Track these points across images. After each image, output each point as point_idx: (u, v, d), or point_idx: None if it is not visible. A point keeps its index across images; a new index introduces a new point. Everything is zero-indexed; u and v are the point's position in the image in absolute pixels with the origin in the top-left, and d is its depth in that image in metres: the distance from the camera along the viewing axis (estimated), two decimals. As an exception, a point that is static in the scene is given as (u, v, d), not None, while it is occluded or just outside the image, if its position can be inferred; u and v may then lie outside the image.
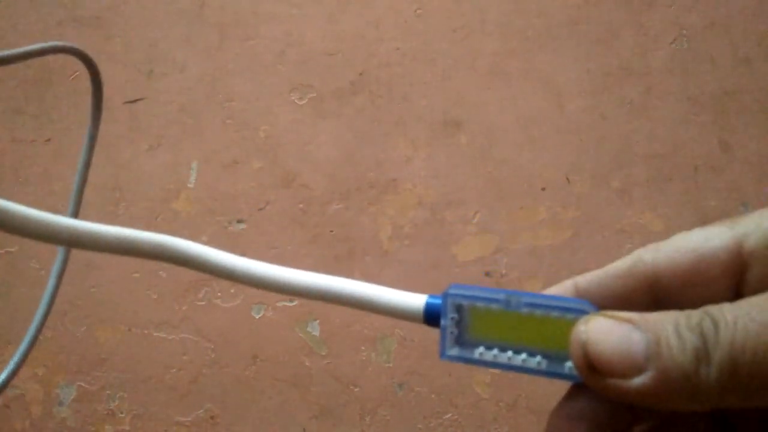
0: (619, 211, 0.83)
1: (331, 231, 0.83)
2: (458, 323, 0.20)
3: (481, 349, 0.20)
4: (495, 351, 0.19)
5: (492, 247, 0.83)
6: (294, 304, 0.82)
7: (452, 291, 0.20)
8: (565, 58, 0.86)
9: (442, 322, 0.20)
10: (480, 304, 0.20)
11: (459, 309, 0.20)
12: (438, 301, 0.20)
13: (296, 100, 0.85)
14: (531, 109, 0.85)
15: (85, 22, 0.86)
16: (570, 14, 0.86)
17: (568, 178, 0.84)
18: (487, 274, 0.83)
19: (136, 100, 0.85)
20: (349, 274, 0.83)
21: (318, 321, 0.81)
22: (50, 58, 0.86)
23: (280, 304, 0.82)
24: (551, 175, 0.84)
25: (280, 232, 0.83)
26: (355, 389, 0.82)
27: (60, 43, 0.26)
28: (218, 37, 0.86)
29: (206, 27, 0.86)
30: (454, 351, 0.20)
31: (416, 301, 0.21)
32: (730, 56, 0.86)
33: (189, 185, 0.84)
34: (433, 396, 0.82)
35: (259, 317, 0.82)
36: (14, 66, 0.86)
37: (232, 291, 0.82)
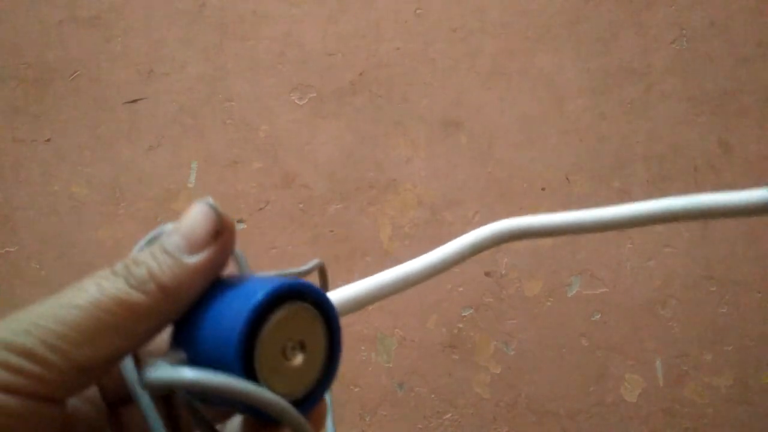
0: (619, 211, 0.83)
1: (331, 231, 0.83)
2: None
3: None
4: None
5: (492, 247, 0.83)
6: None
7: None
8: (565, 58, 0.86)
9: None
10: None
11: None
12: None
13: (296, 100, 0.85)
14: (531, 109, 0.85)
15: (85, 22, 0.86)
16: (570, 14, 0.86)
17: (568, 178, 0.84)
18: (487, 274, 0.83)
19: (136, 100, 0.85)
20: (349, 275, 0.83)
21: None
22: (50, 57, 0.86)
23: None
24: (551, 175, 0.84)
25: (280, 232, 0.83)
26: (355, 389, 0.82)
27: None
28: (218, 37, 0.86)
29: (206, 27, 0.86)
30: None
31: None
32: (730, 56, 0.86)
33: (189, 185, 0.84)
34: (433, 396, 0.82)
35: (259, 317, 0.82)
36: (14, 66, 0.86)
37: (232, 291, 0.82)
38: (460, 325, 0.82)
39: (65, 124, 0.85)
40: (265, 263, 0.82)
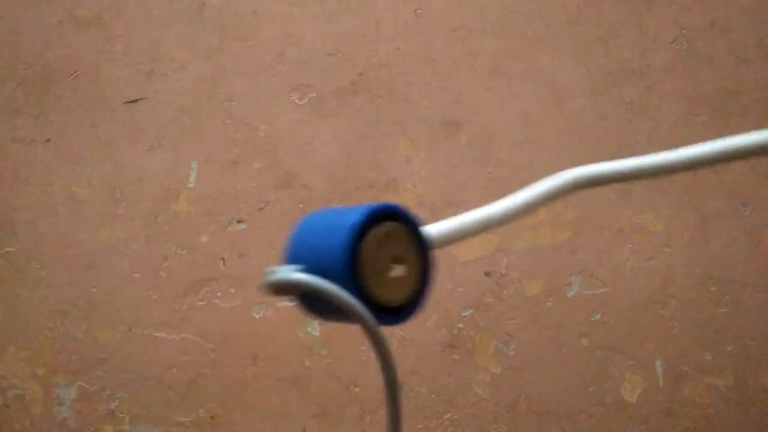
0: (619, 211, 0.83)
1: (331, 231, 0.83)
2: None
3: None
4: None
5: (492, 247, 0.83)
6: (294, 304, 0.82)
7: None
8: (565, 58, 0.86)
9: None
10: None
11: None
12: None
13: (296, 100, 0.85)
14: (531, 109, 0.85)
15: (85, 22, 0.86)
16: (570, 14, 0.86)
17: (568, 178, 0.84)
18: (487, 274, 0.83)
19: (136, 100, 0.85)
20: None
21: (318, 321, 0.81)
22: (50, 57, 0.86)
23: (280, 305, 0.82)
24: (551, 175, 0.84)
25: (280, 232, 0.83)
26: (355, 389, 0.82)
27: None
28: (218, 37, 0.86)
29: (206, 27, 0.86)
30: None
31: None
32: (730, 56, 0.86)
33: (189, 185, 0.84)
34: (433, 396, 0.82)
35: (259, 317, 0.82)
36: (14, 66, 0.86)
37: (232, 291, 0.82)
38: (460, 325, 0.82)
39: (65, 124, 0.85)
40: (265, 263, 0.82)
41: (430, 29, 0.86)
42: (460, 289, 0.82)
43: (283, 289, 0.23)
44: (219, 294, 0.82)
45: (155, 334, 0.82)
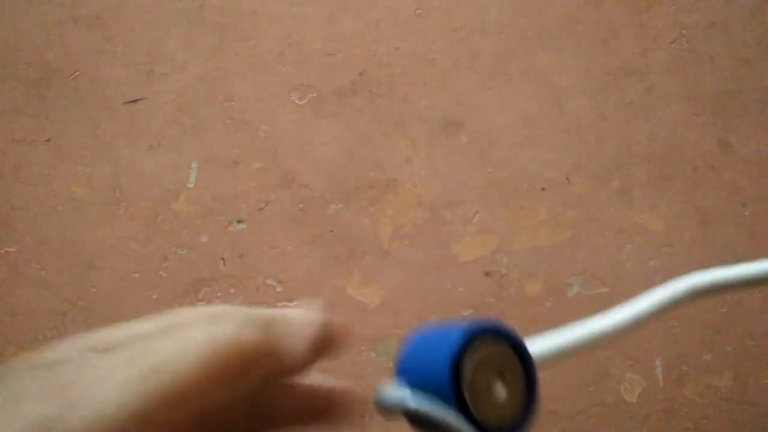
0: (619, 211, 0.83)
1: (331, 231, 0.83)
2: None
3: None
4: None
5: (492, 247, 0.83)
6: (294, 304, 0.82)
7: None
8: (565, 58, 0.86)
9: None
10: None
11: None
12: None
13: (296, 100, 0.85)
14: (531, 109, 0.85)
15: (85, 22, 0.86)
16: (570, 14, 0.86)
17: (568, 178, 0.84)
18: (487, 274, 0.83)
19: (136, 100, 0.85)
20: (349, 274, 0.83)
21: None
22: (50, 57, 0.86)
23: (280, 305, 0.82)
24: (551, 175, 0.84)
25: (280, 232, 0.83)
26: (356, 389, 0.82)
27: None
28: (218, 37, 0.86)
29: (206, 27, 0.86)
30: None
31: None
32: (730, 56, 0.86)
33: (189, 185, 0.84)
34: (433, 396, 0.82)
35: (259, 317, 0.82)
36: (14, 66, 0.86)
37: (231, 291, 0.82)
38: (460, 325, 0.82)
39: (65, 124, 0.85)
40: (265, 263, 0.82)
41: (430, 29, 0.86)
42: (460, 289, 0.82)
43: (389, 409, 0.24)
44: (219, 294, 0.82)
45: (155, 334, 0.82)
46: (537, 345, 0.26)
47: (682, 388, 0.81)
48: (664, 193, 0.84)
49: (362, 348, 0.82)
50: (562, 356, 0.26)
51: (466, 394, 0.23)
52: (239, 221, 0.83)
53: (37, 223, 0.83)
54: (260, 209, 0.84)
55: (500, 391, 0.24)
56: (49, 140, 0.85)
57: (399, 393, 0.24)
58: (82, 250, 0.83)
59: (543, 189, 0.84)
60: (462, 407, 0.23)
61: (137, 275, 0.83)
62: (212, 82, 0.85)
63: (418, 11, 0.86)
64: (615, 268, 0.83)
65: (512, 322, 0.83)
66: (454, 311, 0.82)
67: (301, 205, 0.84)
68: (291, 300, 0.82)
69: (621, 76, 0.85)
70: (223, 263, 0.82)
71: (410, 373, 0.25)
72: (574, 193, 0.84)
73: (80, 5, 0.86)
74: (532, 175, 0.84)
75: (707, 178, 0.84)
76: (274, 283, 0.82)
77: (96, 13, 0.86)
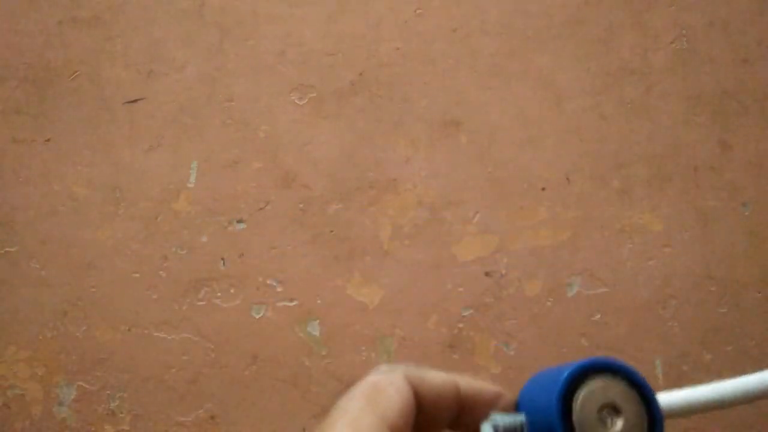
0: (619, 211, 0.83)
1: (331, 231, 0.83)
2: None
3: None
4: None
5: (492, 247, 0.83)
6: (294, 304, 0.82)
7: None
8: (565, 58, 0.86)
9: None
10: None
11: None
12: None
13: (296, 100, 0.85)
14: (531, 109, 0.85)
15: (85, 22, 0.86)
16: (570, 14, 0.86)
17: (568, 178, 0.84)
18: (487, 274, 0.83)
19: (136, 100, 0.85)
20: (349, 274, 0.83)
21: (318, 321, 0.81)
22: (50, 57, 0.86)
23: (280, 304, 0.82)
24: (551, 175, 0.84)
25: (280, 232, 0.83)
26: (355, 389, 0.82)
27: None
28: (218, 37, 0.86)
29: (206, 27, 0.86)
30: None
31: None
32: (730, 56, 0.86)
33: (189, 185, 0.84)
34: (433, 396, 0.82)
35: (259, 317, 0.82)
36: (14, 66, 0.86)
37: (231, 291, 0.82)
38: (460, 325, 0.82)
39: (65, 124, 0.85)
40: (265, 263, 0.82)
41: (430, 29, 0.86)
42: (460, 289, 0.82)
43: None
44: (219, 294, 0.82)
45: (155, 334, 0.82)
46: (666, 397, 0.25)
47: (682, 388, 0.81)
48: (664, 193, 0.84)
49: (362, 348, 0.82)
50: (691, 410, 0.26)
51: (576, 427, 0.23)
52: (239, 221, 0.83)
53: (37, 223, 0.83)
54: (260, 209, 0.84)
55: (617, 424, 0.23)
56: (49, 140, 0.85)
57: (511, 419, 0.25)
58: (82, 250, 0.83)
59: (543, 189, 0.84)
60: None
61: (137, 275, 0.83)
62: (212, 82, 0.85)
63: (418, 11, 0.86)
64: (615, 268, 0.83)
65: (512, 322, 0.83)
66: (454, 311, 0.82)
67: (301, 205, 0.84)
68: (291, 300, 0.82)
69: (621, 76, 0.85)
70: (223, 263, 0.82)
71: (527, 404, 0.25)
72: (574, 193, 0.84)
73: (80, 5, 0.86)
74: (532, 175, 0.84)
75: (707, 178, 0.84)
76: (274, 283, 0.82)
77: (96, 13, 0.86)
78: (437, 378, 0.26)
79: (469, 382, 0.26)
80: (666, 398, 0.25)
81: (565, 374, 0.23)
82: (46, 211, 0.84)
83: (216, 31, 0.86)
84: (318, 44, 0.86)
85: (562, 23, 0.86)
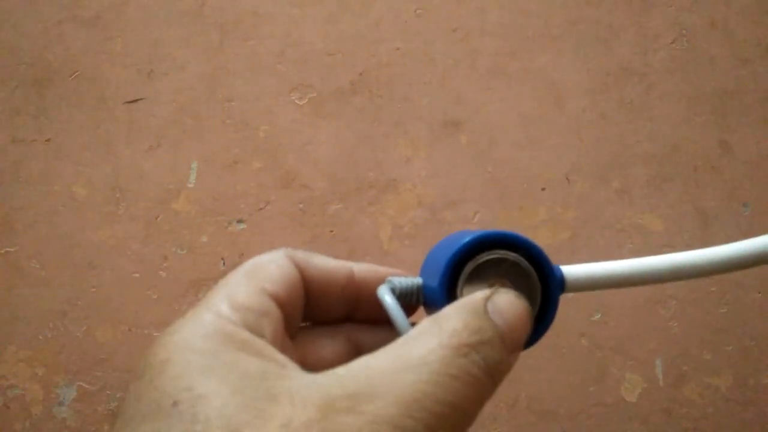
0: (619, 211, 0.84)
1: (331, 231, 0.83)
2: None
3: None
4: None
5: (492, 247, 0.83)
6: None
7: None
8: (565, 58, 0.86)
9: None
10: None
11: None
12: None
13: (296, 100, 0.85)
14: (531, 109, 0.85)
15: (85, 22, 0.86)
16: (570, 14, 0.86)
17: (568, 178, 0.84)
18: (487, 274, 0.82)
19: (136, 100, 0.85)
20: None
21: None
22: (50, 57, 0.86)
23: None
24: (551, 175, 0.84)
25: (280, 232, 0.83)
26: (355, 389, 0.82)
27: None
28: (218, 37, 0.86)
29: (206, 27, 0.86)
30: None
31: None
32: (730, 56, 0.86)
33: (189, 185, 0.84)
34: (433, 396, 0.82)
35: (259, 317, 0.82)
36: (14, 66, 0.86)
37: (232, 291, 0.82)
38: (460, 325, 0.82)
39: (65, 124, 0.85)
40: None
41: (430, 29, 0.86)
42: (460, 289, 0.82)
43: (396, 291, 0.25)
44: (219, 294, 0.82)
45: (155, 334, 0.82)
46: (571, 269, 0.24)
47: (682, 388, 0.81)
48: (664, 193, 0.84)
49: (362, 348, 0.82)
50: (594, 284, 0.25)
51: (458, 294, 0.23)
52: (239, 221, 0.83)
53: (37, 223, 0.83)
54: (260, 209, 0.84)
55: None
56: (49, 140, 0.85)
57: (409, 281, 0.25)
58: (82, 250, 0.83)
59: (543, 189, 0.84)
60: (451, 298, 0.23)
61: (137, 275, 0.83)
62: (212, 82, 0.85)
63: (418, 11, 0.86)
64: (615, 268, 0.83)
65: (512, 322, 0.83)
66: (454, 311, 0.82)
67: (301, 205, 0.84)
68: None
69: (621, 76, 0.85)
70: (223, 263, 0.82)
71: (424, 271, 0.26)
72: (574, 193, 0.84)
73: (80, 5, 0.86)
74: (532, 175, 0.84)
75: (707, 178, 0.84)
76: (274, 283, 0.82)
77: (96, 13, 0.86)
78: (329, 262, 0.26)
79: (364, 266, 0.26)
80: (566, 270, 0.24)
81: (461, 243, 0.23)
82: (46, 211, 0.84)
83: (216, 31, 0.86)
84: (318, 44, 0.86)
85: (562, 23, 0.86)
